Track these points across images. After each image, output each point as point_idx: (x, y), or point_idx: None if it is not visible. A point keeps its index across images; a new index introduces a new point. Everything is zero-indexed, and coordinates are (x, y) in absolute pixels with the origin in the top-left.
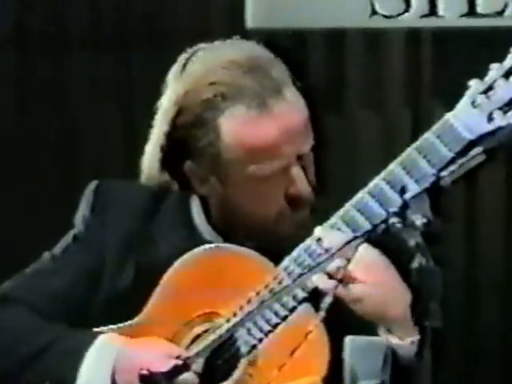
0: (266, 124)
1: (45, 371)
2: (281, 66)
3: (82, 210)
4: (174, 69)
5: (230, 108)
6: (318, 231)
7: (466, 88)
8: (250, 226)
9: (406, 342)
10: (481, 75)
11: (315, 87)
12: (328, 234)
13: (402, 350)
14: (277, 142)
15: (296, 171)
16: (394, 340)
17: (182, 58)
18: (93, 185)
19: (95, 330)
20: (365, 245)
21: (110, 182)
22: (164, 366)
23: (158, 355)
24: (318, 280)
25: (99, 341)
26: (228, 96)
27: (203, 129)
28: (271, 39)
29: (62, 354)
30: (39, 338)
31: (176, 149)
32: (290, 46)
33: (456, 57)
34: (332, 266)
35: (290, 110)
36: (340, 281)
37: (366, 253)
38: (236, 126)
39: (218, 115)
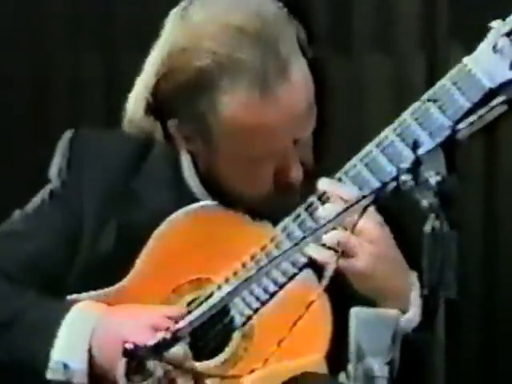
0: (266, 107)
1: (13, 345)
2: (291, 33)
3: (58, 164)
4: (174, 13)
5: (229, 83)
6: (321, 186)
7: (487, 29)
8: (237, 196)
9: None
10: (503, 15)
11: (317, 27)
12: (333, 190)
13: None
14: (275, 127)
15: (290, 156)
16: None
17: (183, 4)
18: (68, 134)
19: (71, 297)
20: (369, 211)
21: (87, 132)
22: (149, 338)
23: (142, 326)
24: (315, 251)
25: (75, 310)
26: (227, 69)
27: (194, 96)
28: None
29: (32, 326)
30: (7, 307)
31: (162, 105)
32: None
33: None
34: (332, 236)
35: (294, 93)
36: (341, 253)
37: (369, 222)
38: (233, 104)
39: (214, 87)
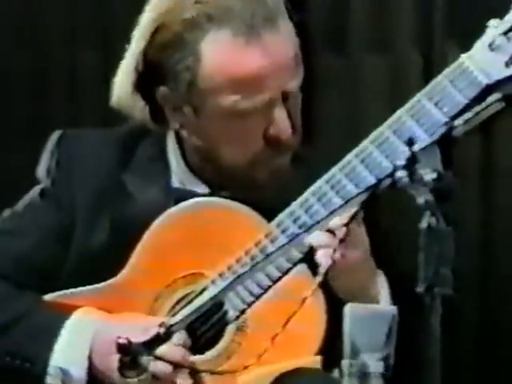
0: (252, 52)
1: (10, 349)
2: None
3: (46, 164)
4: None
5: (215, 31)
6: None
7: (483, 27)
8: (224, 169)
9: None
10: (500, 13)
11: (313, 25)
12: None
13: None
14: (262, 74)
15: (278, 110)
16: None
17: None
18: (55, 135)
19: (64, 292)
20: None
21: (74, 132)
22: (143, 337)
23: (136, 328)
24: (317, 237)
25: (75, 317)
26: (214, 17)
27: (182, 50)
28: None
29: (31, 332)
30: (5, 310)
31: (150, 71)
32: None
33: None
34: (316, 239)
35: (281, 42)
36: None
37: (355, 225)
38: (219, 51)
39: (201, 37)
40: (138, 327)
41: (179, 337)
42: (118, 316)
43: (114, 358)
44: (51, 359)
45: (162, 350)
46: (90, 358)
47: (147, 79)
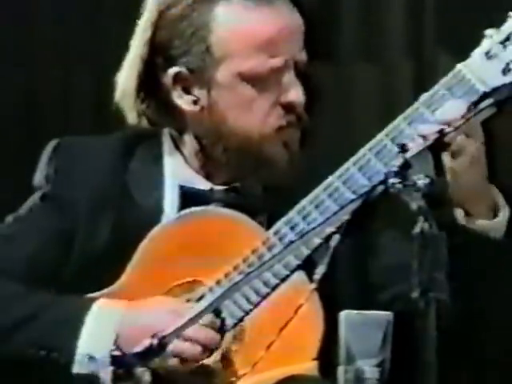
0: (264, 15)
1: (33, 340)
2: None
3: (44, 171)
4: None
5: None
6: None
7: (473, 36)
8: (235, 150)
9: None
10: (489, 24)
11: (305, 38)
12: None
13: (491, 231)
14: (274, 37)
15: (291, 76)
16: (479, 221)
17: None
18: (52, 144)
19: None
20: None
21: (71, 139)
22: (174, 323)
23: (166, 312)
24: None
25: (97, 306)
26: None
27: (194, 23)
28: None
29: (56, 321)
30: (25, 304)
31: (158, 56)
32: None
33: (463, 1)
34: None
35: (291, 10)
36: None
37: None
38: (231, 16)
39: (212, 8)
40: (164, 310)
41: (206, 318)
42: (141, 302)
43: (143, 344)
44: (78, 347)
45: (189, 332)
46: (116, 342)
47: (154, 67)
